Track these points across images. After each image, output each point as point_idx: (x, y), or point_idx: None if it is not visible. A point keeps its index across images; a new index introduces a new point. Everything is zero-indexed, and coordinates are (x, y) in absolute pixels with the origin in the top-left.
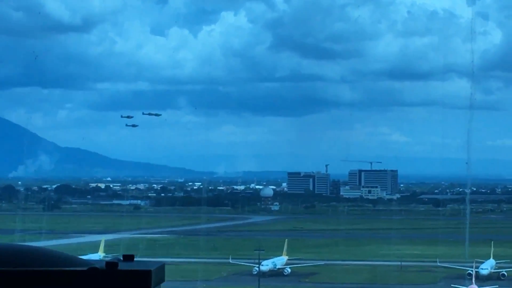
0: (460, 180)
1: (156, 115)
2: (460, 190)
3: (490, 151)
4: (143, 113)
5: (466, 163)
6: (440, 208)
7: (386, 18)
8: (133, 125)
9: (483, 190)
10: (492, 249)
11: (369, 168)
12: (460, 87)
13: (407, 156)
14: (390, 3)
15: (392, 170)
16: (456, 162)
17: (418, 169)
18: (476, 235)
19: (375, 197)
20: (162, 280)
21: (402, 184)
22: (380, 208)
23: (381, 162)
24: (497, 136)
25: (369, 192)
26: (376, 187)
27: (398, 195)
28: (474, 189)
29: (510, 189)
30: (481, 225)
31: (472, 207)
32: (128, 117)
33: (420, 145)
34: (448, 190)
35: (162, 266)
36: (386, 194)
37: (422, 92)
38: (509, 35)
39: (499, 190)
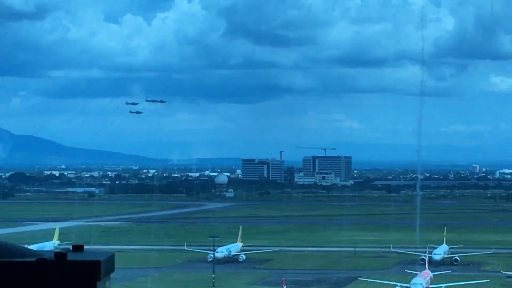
0: (413, 166)
1: (161, 102)
2: (413, 176)
3: (443, 137)
4: (146, 100)
5: (417, 150)
6: (393, 194)
7: (340, 5)
8: (137, 112)
9: (436, 176)
10: (445, 234)
11: (323, 155)
12: (413, 73)
13: (361, 143)
14: None
15: (346, 157)
16: (409, 148)
17: (372, 155)
18: (430, 220)
19: (329, 184)
20: (111, 270)
21: (355, 170)
22: (334, 194)
23: (335, 149)
24: (450, 122)
25: (323, 178)
26: (330, 173)
27: (351, 181)
28: (427, 175)
29: (462, 175)
30: (434, 210)
31: (425, 192)
32: (133, 103)
33: (373, 131)
34: (401, 176)
35: (111, 256)
36: (340, 181)
37: (375, 78)
38: (461, 22)
39: (452, 176)
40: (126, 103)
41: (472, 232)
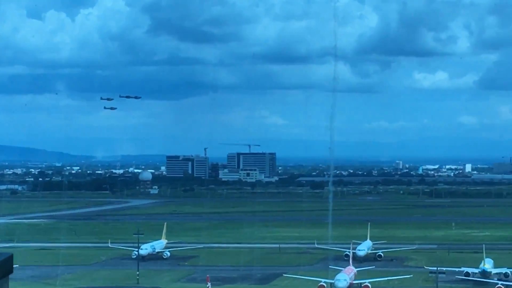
0: (337, 163)
1: (136, 97)
2: (337, 172)
3: (367, 133)
4: (120, 96)
5: (329, 147)
6: (317, 190)
7: (264, 1)
8: (112, 108)
9: (360, 172)
10: (369, 230)
11: (248, 151)
12: (338, 70)
13: (285, 139)
14: None
15: (270, 153)
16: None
17: (296, 151)
18: (353, 216)
19: (254, 180)
20: (9, 271)
21: (280, 166)
22: (259, 191)
23: (259, 145)
24: (374, 119)
25: (248, 175)
26: (255, 170)
27: (276, 178)
28: (351, 171)
29: (386, 171)
30: (358, 206)
31: (349, 189)
32: (108, 99)
33: (298, 127)
34: (325, 173)
35: (9, 257)
36: (265, 177)
37: (299, 75)
38: (385, 19)
39: (376, 172)
40: (101, 99)
41: (395, 228)
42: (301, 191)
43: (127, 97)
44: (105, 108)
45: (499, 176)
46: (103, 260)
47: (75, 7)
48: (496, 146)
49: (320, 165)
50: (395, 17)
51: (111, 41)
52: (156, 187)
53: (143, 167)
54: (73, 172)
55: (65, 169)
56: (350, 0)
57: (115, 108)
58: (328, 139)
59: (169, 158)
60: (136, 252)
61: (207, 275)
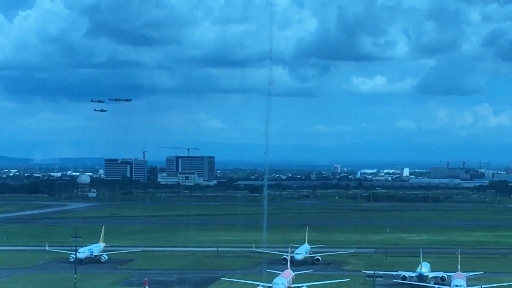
0: (276, 166)
1: (126, 100)
2: (276, 176)
3: (306, 137)
4: (109, 99)
5: (264, 152)
6: (256, 194)
7: (203, 5)
8: (102, 110)
9: (299, 176)
10: (307, 234)
11: (187, 155)
12: (276, 74)
13: (224, 143)
14: None
15: (209, 157)
16: (273, 148)
17: (235, 155)
18: (292, 220)
19: (192, 184)
20: None
21: (219, 170)
22: (197, 194)
23: (198, 149)
24: (312, 123)
25: (186, 178)
26: (193, 173)
27: (215, 181)
28: (290, 175)
29: (324, 175)
30: (296, 210)
31: (288, 192)
32: (99, 101)
33: (236, 131)
34: (264, 176)
35: None
36: (203, 180)
37: (238, 79)
38: (324, 23)
39: (314, 176)
40: (92, 100)
41: (333, 231)
42: (239, 195)
43: (117, 99)
44: (95, 110)
45: (436, 181)
46: (40, 263)
47: (13, 9)
48: (433, 151)
49: (259, 168)
50: (334, 21)
51: (49, 43)
52: (94, 190)
53: (81, 170)
54: (10, 175)
55: (2, 171)
56: (290, 4)
57: (105, 111)
58: (269, 143)
59: (108, 161)
60: (74, 256)
61: (145, 279)
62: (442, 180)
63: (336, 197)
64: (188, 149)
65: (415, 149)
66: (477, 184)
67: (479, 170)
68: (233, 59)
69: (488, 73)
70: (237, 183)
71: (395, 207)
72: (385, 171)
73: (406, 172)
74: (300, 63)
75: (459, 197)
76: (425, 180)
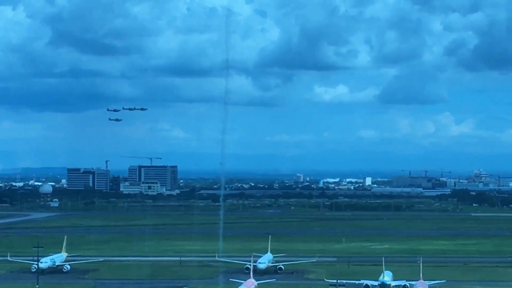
0: (239, 176)
1: (142, 109)
2: (239, 185)
3: (268, 146)
4: (123, 108)
5: (220, 163)
6: (219, 204)
7: (166, 14)
8: (117, 119)
9: (261, 185)
10: (270, 243)
11: (149, 164)
12: (239, 83)
13: (187, 152)
14: None
15: (172, 166)
16: (235, 157)
17: (198, 164)
18: (255, 229)
19: (155, 193)
20: None
21: (181, 179)
22: (160, 204)
23: (161, 158)
24: (275, 132)
25: (149, 188)
26: (156, 183)
27: (177, 191)
28: (252, 184)
29: (287, 184)
30: (259, 219)
31: (250, 202)
32: (114, 110)
33: (199, 140)
34: (227, 186)
35: None
36: (166, 190)
37: (201, 88)
38: (286, 32)
39: (277, 185)
40: (108, 110)
41: (296, 241)
42: (202, 204)
43: (130, 109)
44: (110, 119)
45: (398, 189)
46: (2, 273)
47: None
48: (395, 160)
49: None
50: (297, 31)
51: (11, 53)
52: (57, 200)
53: (43, 179)
54: None
55: None
56: (252, 14)
57: (120, 120)
58: (228, 152)
59: (70, 171)
60: (36, 266)
61: None
62: (404, 189)
63: (293, 207)
64: (151, 159)
65: (377, 158)
66: (439, 193)
67: (441, 179)
68: (196, 68)
69: (450, 82)
70: (199, 192)
71: (358, 216)
72: (348, 180)
73: (368, 181)
74: (263, 73)
75: (421, 205)
76: (387, 189)
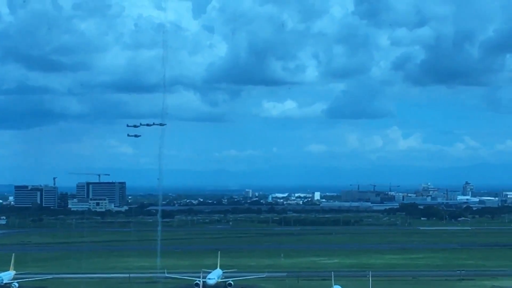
0: (188, 191)
1: (160, 124)
2: (188, 201)
3: (217, 162)
4: (141, 124)
5: (158, 179)
6: (167, 220)
7: (113, 30)
8: (136, 135)
9: (210, 201)
10: (219, 259)
11: (98, 181)
12: (187, 99)
13: (135, 168)
14: (117, 15)
15: (120, 182)
16: (185, 173)
17: (146, 180)
18: (204, 245)
19: (104, 210)
20: None
21: (130, 196)
22: (109, 220)
23: (109, 175)
24: (224, 147)
25: (97, 204)
26: (104, 199)
27: (126, 207)
28: (201, 200)
29: (236, 199)
30: (208, 235)
31: (199, 218)
32: (134, 126)
33: (147, 157)
34: (175, 202)
35: None
36: (115, 206)
37: (149, 104)
38: (234, 48)
39: (226, 200)
40: (127, 126)
41: (245, 256)
42: (151, 221)
43: (148, 125)
44: (128, 135)
45: (347, 204)
46: None
47: None
48: (344, 174)
49: (170, 194)
50: (245, 46)
51: None
52: (4, 217)
53: None
54: None
55: None
56: (200, 29)
57: (139, 136)
58: (178, 168)
59: (17, 188)
60: None
61: None
62: (353, 203)
63: (230, 222)
64: (99, 175)
65: (326, 173)
66: (387, 207)
67: (389, 193)
68: (143, 84)
69: (397, 97)
70: (148, 208)
71: (307, 231)
72: (297, 195)
73: (317, 195)
74: (211, 88)
75: (370, 220)
76: (336, 203)
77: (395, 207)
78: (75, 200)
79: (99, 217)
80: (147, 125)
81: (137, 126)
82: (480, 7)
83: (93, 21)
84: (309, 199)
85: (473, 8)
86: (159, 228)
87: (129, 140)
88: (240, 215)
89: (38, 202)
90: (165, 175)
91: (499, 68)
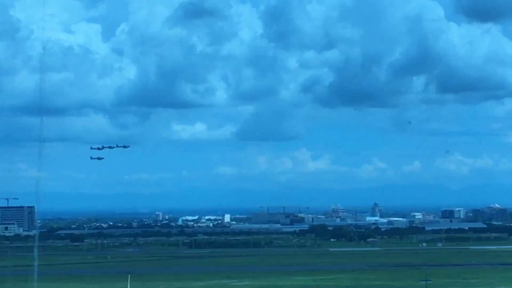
0: (98, 215)
1: (124, 147)
2: (98, 224)
3: (127, 185)
4: (103, 146)
5: (36, 200)
6: (77, 243)
7: (22, 53)
8: (98, 158)
9: (120, 224)
10: (129, 282)
11: (6, 205)
12: (96, 122)
13: (44, 192)
14: (26, 38)
15: (29, 206)
16: (94, 197)
17: (56, 204)
18: (114, 268)
19: (12, 234)
20: None
21: (39, 220)
22: (18, 245)
23: (18, 199)
24: (133, 170)
25: (6, 229)
26: (13, 223)
27: (35, 231)
28: (111, 223)
29: (146, 222)
30: (118, 259)
31: (110, 241)
32: (98, 148)
33: (56, 180)
34: (85, 225)
35: None
36: (23, 231)
37: (58, 127)
38: (143, 71)
39: (136, 223)
40: (91, 148)
41: (156, 279)
42: (60, 244)
43: (110, 147)
44: (91, 158)
45: (257, 226)
46: None
47: None
48: (253, 196)
49: (80, 217)
50: (154, 69)
51: None
52: None
53: None
54: None
55: None
56: (109, 52)
57: (102, 158)
58: (86, 192)
59: None
60: None
61: None
62: (263, 225)
63: (140, 246)
64: (8, 199)
65: (235, 195)
66: (297, 229)
67: (298, 214)
68: (52, 107)
69: (306, 119)
70: (58, 232)
71: (217, 253)
72: (207, 217)
73: (227, 218)
74: (120, 111)
75: (280, 241)
76: (246, 225)
77: (305, 228)
78: None
79: (7, 242)
80: (109, 147)
81: (101, 149)
82: (387, 31)
83: (2, 43)
84: (219, 221)
85: (380, 31)
86: (35, 253)
87: (37, 163)
88: (150, 238)
89: None
90: (75, 198)
91: (405, 90)
